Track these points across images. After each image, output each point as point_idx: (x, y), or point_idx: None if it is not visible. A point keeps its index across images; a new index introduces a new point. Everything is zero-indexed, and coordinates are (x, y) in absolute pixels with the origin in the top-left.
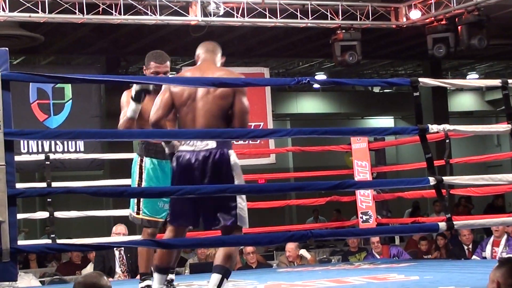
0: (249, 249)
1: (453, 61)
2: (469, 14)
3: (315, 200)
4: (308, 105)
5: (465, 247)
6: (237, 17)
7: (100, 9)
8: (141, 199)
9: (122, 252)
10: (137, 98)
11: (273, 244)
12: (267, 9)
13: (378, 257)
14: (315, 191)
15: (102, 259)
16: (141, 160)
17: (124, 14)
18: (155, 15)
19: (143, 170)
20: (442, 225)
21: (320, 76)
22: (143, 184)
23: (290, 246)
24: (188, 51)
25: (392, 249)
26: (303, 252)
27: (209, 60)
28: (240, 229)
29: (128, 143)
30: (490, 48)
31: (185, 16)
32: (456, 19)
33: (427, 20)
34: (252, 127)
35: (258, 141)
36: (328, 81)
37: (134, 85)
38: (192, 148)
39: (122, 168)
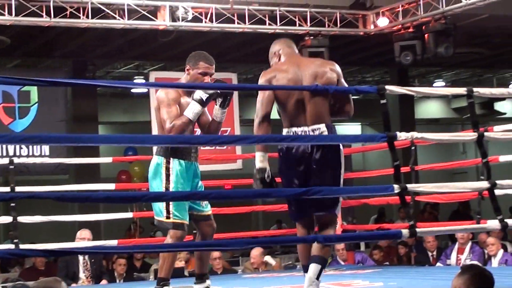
0: (216, 254)
1: (420, 69)
2: (436, 22)
3: (281, 207)
4: (275, 110)
5: (430, 254)
6: (205, 22)
7: (68, 12)
8: (171, 203)
9: (87, 257)
10: (206, 103)
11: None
12: (235, 14)
13: (343, 263)
14: (281, 198)
15: (65, 264)
16: (167, 162)
17: (92, 18)
18: (123, 19)
19: (170, 172)
20: (405, 232)
21: None
22: (171, 187)
23: (255, 253)
24: (156, 55)
25: (357, 255)
26: (268, 258)
27: (295, 54)
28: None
29: (94, 147)
30: (456, 56)
31: (154, 20)
32: (423, 27)
33: (394, 28)
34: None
35: (225, 146)
36: (288, 87)
37: (201, 91)
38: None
39: (87, 173)
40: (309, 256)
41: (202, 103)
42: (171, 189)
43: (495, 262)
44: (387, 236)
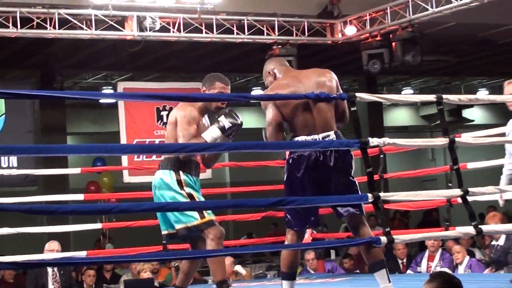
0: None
1: (388, 77)
2: (403, 30)
3: (251, 216)
4: (246, 119)
5: (400, 261)
6: (173, 32)
7: (35, 23)
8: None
9: (56, 269)
10: (228, 132)
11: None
12: (203, 24)
13: (313, 272)
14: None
15: (34, 276)
16: (178, 174)
17: (59, 29)
18: (90, 29)
19: (183, 184)
20: (383, 238)
21: (257, 91)
22: (196, 195)
23: (226, 262)
24: (124, 65)
25: (327, 264)
26: (238, 268)
27: (290, 69)
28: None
29: (63, 158)
30: (424, 64)
31: (121, 30)
32: (391, 35)
33: (362, 36)
34: None
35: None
36: (263, 96)
37: (227, 118)
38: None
39: (56, 184)
40: (295, 265)
41: (223, 130)
42: (196, 196)
43: (461, 269)
44: (367, 242)
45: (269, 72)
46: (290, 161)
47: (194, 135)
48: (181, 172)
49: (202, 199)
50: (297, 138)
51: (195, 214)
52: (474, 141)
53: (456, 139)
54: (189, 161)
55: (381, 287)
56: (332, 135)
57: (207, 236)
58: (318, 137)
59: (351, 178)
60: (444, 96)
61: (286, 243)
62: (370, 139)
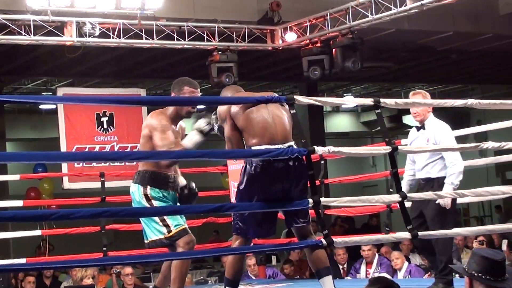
0: (128, 270)
1: (329, 83)
2: (343, 37)
3: (191, 222)
4: (188, 125)
5: (340, 267)
6: (113, 37)
7: None
8: (166, 218)
9: None
10: (207, 134)
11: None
12: (143, 30)
13: (254, 278)
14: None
15: None
16: (145, 189)
17: None
18: (29, 35)
19: (150, 198)
20: (323, 241)
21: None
22: None
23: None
24: (63, 71)
25: (268, 270)
26: None
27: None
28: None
29: (1, 165)
30: (364, 70)
31: (60, 36)
32: (331, 42)
33: (302, 43)
34: (129, 149)
35: (135, 162)
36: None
37: (203, 120)
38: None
39: None
40: (240, 272)
41: (203, 134)
42: None
43: (400, 274)
44: (308, 245)
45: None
46: (257, 169)
47: (173, 142)
48: (148, 187)
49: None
50: (257, 147)
51: (163, 229)
52: (416, 149)
53: (399, 147)
54: (160, 174)
55: None
56: (293, 144)
57: (178, 247)
58: (283, 146)
59: (307, 185)
60: (381, 99)
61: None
62: (316, 148)
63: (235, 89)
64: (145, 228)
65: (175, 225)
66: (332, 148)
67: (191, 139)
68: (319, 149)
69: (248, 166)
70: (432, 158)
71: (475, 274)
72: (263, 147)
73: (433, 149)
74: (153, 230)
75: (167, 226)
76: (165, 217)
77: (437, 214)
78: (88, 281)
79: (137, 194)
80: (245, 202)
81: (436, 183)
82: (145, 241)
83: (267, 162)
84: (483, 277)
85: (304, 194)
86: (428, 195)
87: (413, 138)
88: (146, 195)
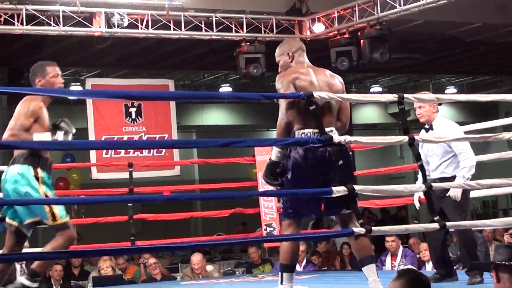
0: (151, 260)
1: (357, 74)
2: (371, 28)
3: (219, 212)
4: (214, 116)
5: None
6: (141, 28)
7: (2, 19)
8: (54, 206)
9: (24, 264)
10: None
11: None
12: (171, 21)
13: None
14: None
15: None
16: (36, 171)
17: (27, 25)
18: (58, 26)
19: (40, 181)
20: (360, 229)
21: (226, 89)
22: (50, 194)
23: (197, 258)
24: (92, 61)
25: None
26: (209, 267)
27: (306, 61)
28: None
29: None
30: (392, 61)
31: (89, 27)
32: (359, 33)
33: (330, 34)
34: (157, 139)
35: (163, 152)
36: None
37: (61, 132)
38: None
39: None
40: (296, 257)
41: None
42: (50, 195)
43: (428, 266)
44: (341, 235)
45: (288, 53)
46: (297, 156)
47: (27, 127)
48: (39, 169)
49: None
50: (300, 131)
51: (48, 215)
52: (434, 139)
53: (416, 137)
54: (44, 157)
55: (370, 280)
56: (334, 130)
57: (59, 235)
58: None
59: (352, 172)
60: (405, 95)
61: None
62: (334, 137)
63: (302, 48)
64: (19, 208)
65: (62, 216)
66: (348, 138)
67: (42, 137)
68: (336, 138)
69: (292, 150)
70: (445, 157)
71: (499, 263)
72: (304, 131)
73: (452, 139)
74: (34, 211)
75: (53, 214)
76: (54, 206)
77: (454, 207)
78: (106, 271)
79: (28, 175)
80: (291, 188)
81: (452, 181)
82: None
83: (306, 148)
84: (507, 263)
85: (344, 181)
86: (454, 184)
87: None
88: (37, 178)
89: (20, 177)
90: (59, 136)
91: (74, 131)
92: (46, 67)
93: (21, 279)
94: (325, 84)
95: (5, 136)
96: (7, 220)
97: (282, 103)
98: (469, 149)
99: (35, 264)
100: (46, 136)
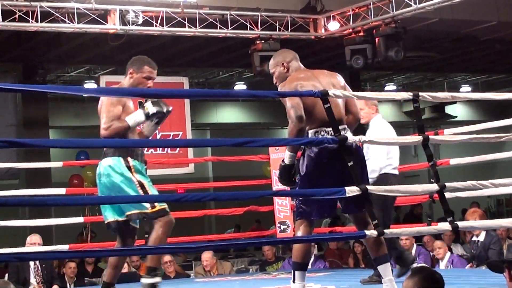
0: (167, 258)
1: (372, 72)
2: (386, 26)
3: (233, 210)
4: (228, 114)
5: None
6: (156, 26)
7: (17, 16)
8: (150, 192)
9: (38, 262)
10: (150, 118)
11: None
12: (186, 18)
13: None
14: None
15: (16, 270)
16: (127, 161)
17: (42, 22)
18: (73, 23)
19: (132, 170)
20: (371, 232)
21: (240, 86)
22: (145, 182)
23: (207, 255)
24: (106, 59)
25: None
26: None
27: (302, 67)
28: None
29: (45, 152)
30: (407, 59)
31: (104, 24)
32: (374, 31)
33: (345, 32)
34: (171, 137)
35: (177, 150)
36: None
37: (150, 103)
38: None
39: (39, 177)
40: (309, 255)
41: (147, 116)
42: (145, 183)
43: (442, 265)
44: (353, 237)
45: (283, 63)
46: (311, 155)
47: (118, 116)
48: (129, 158)
49: (152, 185)
50: (314, 130)
51: (146, 203)
52: (449, 138)
53: (431, 136)
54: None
55: (385, 279)
56: (346, 127)
57: (157, 223)
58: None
59: (366, 170)
60: (420, 93)
61: (299, 234)
62: (349, 136)
63: (295, 56)
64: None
65: (160, 203)
66: (363, 138)
67: (135, 117)
68: (351, 138)
69: (307, 150)
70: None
71: None
72: (319, 129)
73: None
74: (132, 203)
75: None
76: (150, 193)
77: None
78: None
79: (119, 166)
80: (307, 187)
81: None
82: (112, 219)
83: (322, 147)
84: None
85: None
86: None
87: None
88: (129, 167)
89: (112, 170)
90: (150, 108)
91: (170, 108)
92: (145, 65)
93: (144, 280)
94: (329, 83)
95: (102, 132)
96: (109, 219)
97: (290, 110)
98: (379, 152)
99: (148, 261)
100: (138, 115)
